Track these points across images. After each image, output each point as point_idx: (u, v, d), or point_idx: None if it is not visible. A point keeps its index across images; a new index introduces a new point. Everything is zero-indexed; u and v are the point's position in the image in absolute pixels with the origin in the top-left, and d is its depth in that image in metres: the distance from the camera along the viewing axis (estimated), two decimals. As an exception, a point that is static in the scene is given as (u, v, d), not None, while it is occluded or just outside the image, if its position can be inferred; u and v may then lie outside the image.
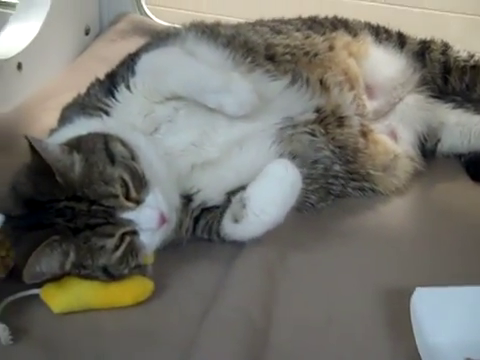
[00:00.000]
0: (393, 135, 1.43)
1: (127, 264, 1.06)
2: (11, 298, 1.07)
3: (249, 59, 1.26)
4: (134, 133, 1.15)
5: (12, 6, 1.98)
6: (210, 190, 1.19)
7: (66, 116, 1.25)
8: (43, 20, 1.72)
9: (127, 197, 1.05)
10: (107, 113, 1.19)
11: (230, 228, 1.16)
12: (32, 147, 1.02)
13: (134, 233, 1.06)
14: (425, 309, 1.01)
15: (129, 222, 1.05)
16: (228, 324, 1.04)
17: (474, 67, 1.52)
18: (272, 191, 1.13)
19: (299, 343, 1.04)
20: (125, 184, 1.05)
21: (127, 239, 1.05)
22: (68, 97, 1.36)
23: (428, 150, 1.48)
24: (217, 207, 1.20)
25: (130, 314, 1.08)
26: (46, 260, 1.02)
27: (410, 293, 1.04)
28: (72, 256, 1.04)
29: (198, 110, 1.18)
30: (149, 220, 1.05)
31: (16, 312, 1.06)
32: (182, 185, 1.18)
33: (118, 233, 1.04)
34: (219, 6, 2.68)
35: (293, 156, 1.22)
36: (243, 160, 1.20)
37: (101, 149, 1.08)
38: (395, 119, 1.45)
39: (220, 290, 1.11)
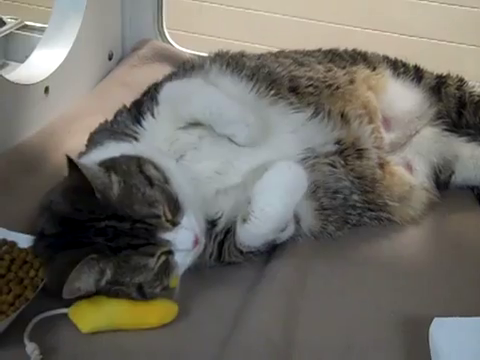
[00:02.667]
0: (409, 167, 1.45)
1: (161, 282, 1.09)
2: (40, 317, 1.09)
3: (273, 91, 1.29)
4: (164, 157, 1.18)
5: (41, 30, 2.01)
6: (233, 213, 1.21)
7: (96, 140, 1.27)
8: (71, 45, 1.74)
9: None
10: (136, 139, 1.22)
11: (241, 231, 1.18)
12: (71, 166, 1.04)
13: (169, 253, 1.09)
14: (444, 339, 1.02)
15: (167, 242, 1.07)
16: (251, 348, 1.06)
17: (488, 102, 1.55)
18: (275, 185, 1.16)
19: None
20: (162, 206, 1.08)
21: (162, 258, 1.08)
22: (92, 120, 1.38)
23: (442, 182, 1.49)
24: None
25: (155, 335, 1.10)
26: (84, 277, 1.04)
27: (425, 322, 1.06)
28: (108, 274, 1.06)
29: (222, 138, 1.21)
30: (185, 241, 1.09)
31: (45, 331, 1.08)
32: (207, 210, 1.20)
33: (158, 252, 1.07)
34: (238, 32, 2.74)
35: (315, 186, 1.25)
36: None
37: (137, 172, 1.10)
38: (411, 151, 1.47)
39: (242, 315, 1.14)
